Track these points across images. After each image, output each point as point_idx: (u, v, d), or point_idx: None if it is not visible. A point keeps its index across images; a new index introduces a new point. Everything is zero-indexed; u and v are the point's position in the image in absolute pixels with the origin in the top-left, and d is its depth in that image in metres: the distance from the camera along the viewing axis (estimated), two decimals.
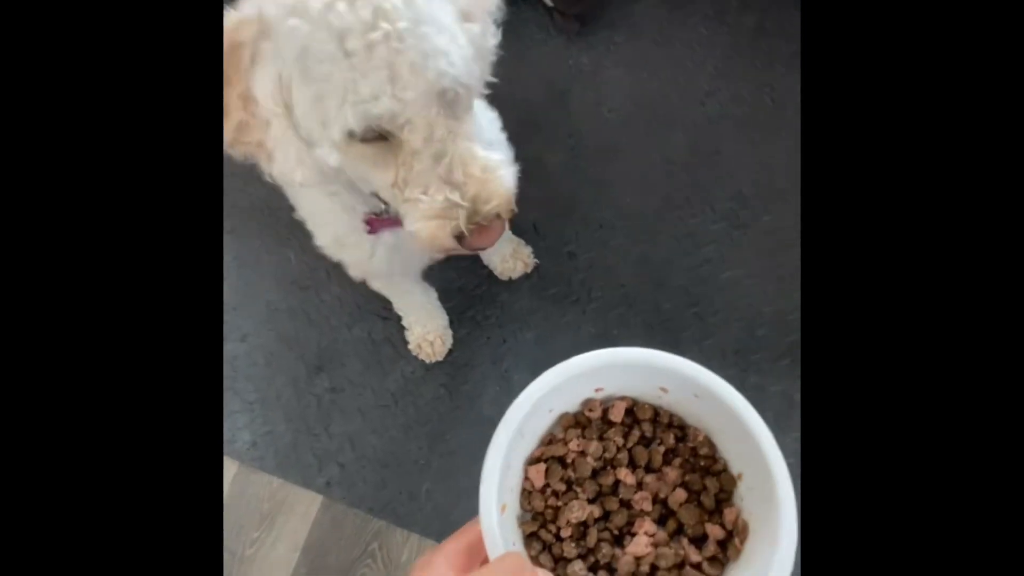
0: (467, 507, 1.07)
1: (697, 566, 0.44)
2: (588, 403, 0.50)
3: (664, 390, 0.48)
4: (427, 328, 1.12)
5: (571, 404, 0.50)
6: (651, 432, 0.49)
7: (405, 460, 1.11)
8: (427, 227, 0.55)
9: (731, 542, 0.45)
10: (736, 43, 1.32)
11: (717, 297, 1.17)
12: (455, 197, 0.54)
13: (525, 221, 1.22)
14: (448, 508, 1.08)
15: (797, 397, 1.10)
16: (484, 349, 1.15)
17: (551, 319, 1.17)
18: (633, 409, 0.50)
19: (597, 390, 0.49)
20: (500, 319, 1.17)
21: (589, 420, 0.50)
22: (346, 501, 1.09)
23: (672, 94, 1.29)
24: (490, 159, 0.56)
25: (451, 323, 1.16)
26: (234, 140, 0.56)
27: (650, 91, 1.30)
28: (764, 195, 1.22)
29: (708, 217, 1.22)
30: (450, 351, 1.15)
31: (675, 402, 0.49)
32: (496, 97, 1.26)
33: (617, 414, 0.49)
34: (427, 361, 1.14)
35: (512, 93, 1.27)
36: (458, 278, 1.20)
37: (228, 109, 0.54)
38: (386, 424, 1.13)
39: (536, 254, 1.19)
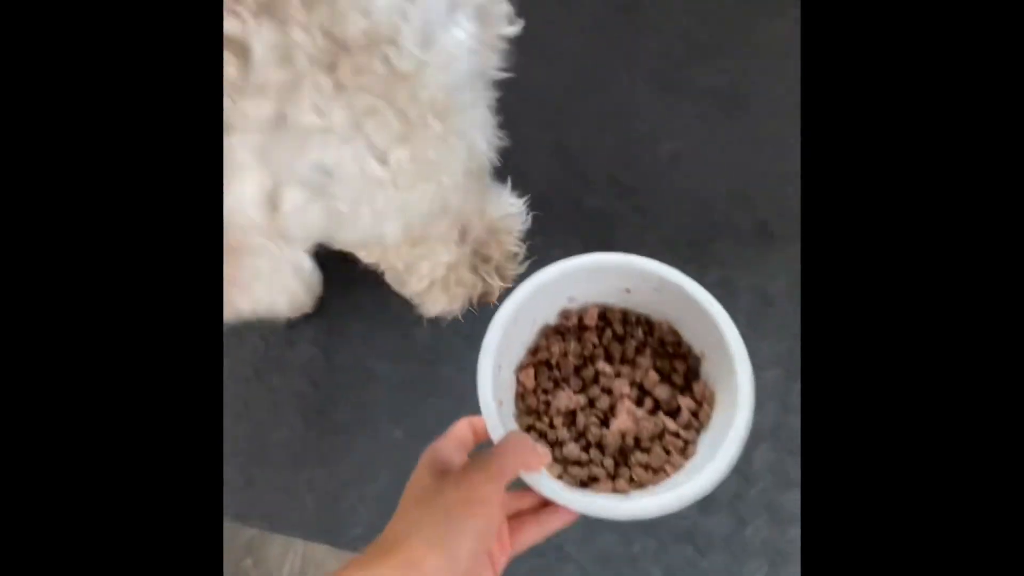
0: (366, 491, 0.80)
1: (675, 434, 0.51)
2: (565, 313, 0.57)
3: (628, 291, 0.55)
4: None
5: (550, 315, 0.57)
6: (622, 331, 0.57)
7: (275, 447, 0.83)
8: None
9: (701, 410, 0.51)
10: None
11: (655, 181, 0.91)
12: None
13: None
14: (338, 497, 0.81)
15: (771, 291, 0.86)
16: (360, 286, 0.87)
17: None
18: (604, 313, 0.57)
19: (571, 299, 0.56)
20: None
21: (567, 327, 0.57)
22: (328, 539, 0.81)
23: None
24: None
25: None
26: None
27: None
28: (699, 48, 0.96)
29: (632, 84, 0.95)
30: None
31: (639, 301, 0.56)
32: None
33: (591, 319, 0.56)
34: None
35: None
36: None
37: None
38: (247, 406, 0.85)
39: None
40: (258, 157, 0.42)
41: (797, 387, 0.81)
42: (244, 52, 0.39)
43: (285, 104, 0.41)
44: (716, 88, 0.94)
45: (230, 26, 0.38)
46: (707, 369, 0.53)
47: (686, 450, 0.50)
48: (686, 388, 0.53)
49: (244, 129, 0.41)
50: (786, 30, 0.95)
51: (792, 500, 0.76)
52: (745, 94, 0.93)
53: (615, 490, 0.49)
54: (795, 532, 0.75)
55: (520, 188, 0.88)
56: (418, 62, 0.44)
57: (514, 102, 0.94)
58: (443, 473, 0.42)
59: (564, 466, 0.50)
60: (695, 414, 0.51)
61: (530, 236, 0.87)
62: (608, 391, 0.54)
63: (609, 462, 0.50)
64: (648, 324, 0.56)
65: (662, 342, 0.55)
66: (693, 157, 0.91)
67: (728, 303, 0.80)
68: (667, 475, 0.49)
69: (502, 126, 0.95)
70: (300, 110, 0.42)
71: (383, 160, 0.47)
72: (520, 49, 0.89)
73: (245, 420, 0.84)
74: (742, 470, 0.78)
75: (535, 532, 0.46)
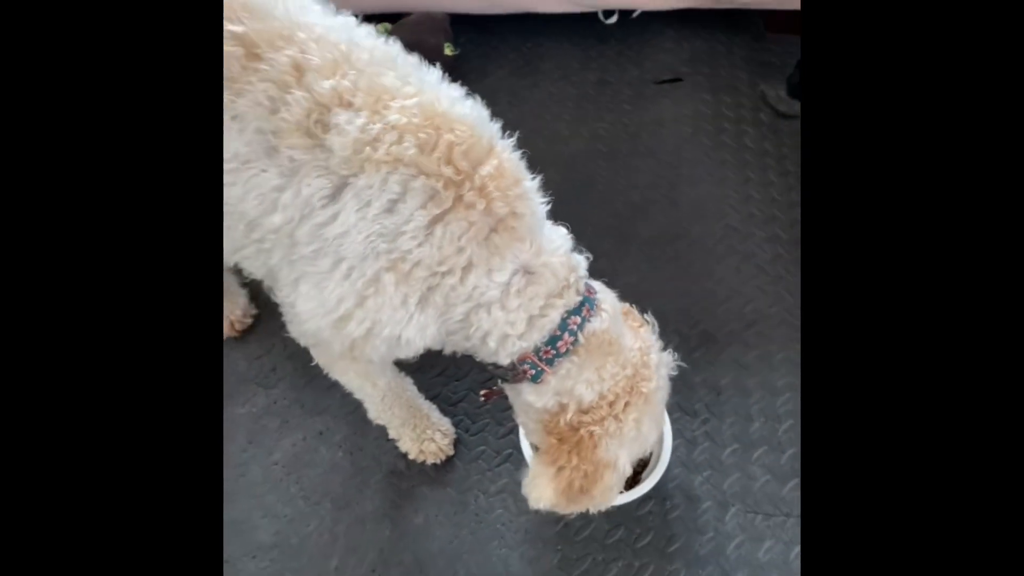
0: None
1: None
2: None
3: None
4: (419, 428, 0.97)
5: None
6: None
7: (306, 539, 0.93)
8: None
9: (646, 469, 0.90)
10: (583, 94, 1.42)
11: None
12: None
13: None
14: None
15: (723, 382, 1.04)
16: None
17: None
18: None
19: None
20: (399, 364, 1.07)
21: None
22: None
23: (537, 140, 1.35)
24: None
25: None
26: None
27: (514, 142, 1.35)
28: (640, 210, 1.24)
29: (591, 238, 1.21)
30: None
31: None
32: None
33: None
34: (437, 462, 0.98)
35: None
36: None
37: None
38: (280, 501, 0.96)
39: None
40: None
41: (755, 454, 0.97)
42: None
43: None
44: (657, 235, 1.20)
45: None
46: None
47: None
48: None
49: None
50: (703, 191, 1.25)
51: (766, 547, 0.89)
52: (678, 238, 1.20)
53: None
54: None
55: None
56: None
57: None
58: None
59: None
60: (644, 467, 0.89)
61: None
62: None
63: None
64: None
65: None
66: (643, 288, 1.14)
67: (686, 395, 1.00)
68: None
69: None
70: None
71: None
72: None
73: (279, 517, 0.94)
74: (717, 528, 0.91)
75: None
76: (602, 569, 0.90)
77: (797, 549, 0.91)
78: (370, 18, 1.36)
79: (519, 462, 0.97)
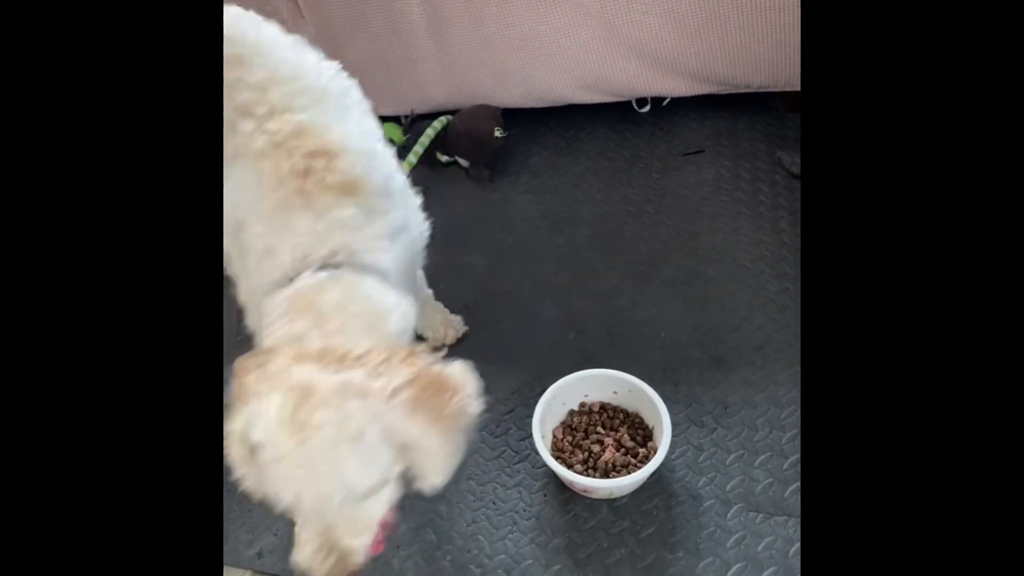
0: (408, 551, 0.99)
1: (634, 464, 1.01)
2: (581, 402, 1.11)
3: (615, 393, 1.09)
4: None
5: (573, 403, 1.11)
6: (612, 414, 1.09)
7: None
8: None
9: (650, 454, 1.00)
10: (616, 167, 1.61)
11: (635, 334, 1.24)
12: None
13: (457, 303, 1.35)
14: (387, 556, 0.99)
15: (731, 398, 1.12)
16: None
17: (482, 371, 1.21)
18: (603, 405, 1.10)
19: (586, 396, 1.10)
20: None
21: (582, 411, 1.10)
22: (278, 569, 1.00)
23: (573, 204, 1.54)
24: None
25: None
26: None
27: (553, 206, 1.54)
28: (661, 256, 1.38)
29: (615, 278, 1.35)
30: None
31: (621, 398, 1.09)
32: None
33: (595, 407, 1.10)
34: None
35: (440, 223, 1.51)
36: None
37: None
38: None
39: (467, 327, 1.29)
40: None
41: (758, 459, 1.02)
42: None
43: None
44: (675, 277, 1.33)
45: None
46: (655, 435, 1.03)
47: (636, 470, 0.98)
48: (643, 444, 1.04)
49: None
50: (720, 238, 1.37)
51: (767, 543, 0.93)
52: (696, 278, 1.31)
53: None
54: None
55: (534, 342, 1.24)
56: None
57: (532, 292, 1.35)
58: None
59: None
60: (646, 456, 1.00)
61: (544, 370, 1.19)
62: (601, 443, 1.04)
63: (599, 476, 0.99)
64: (624, 412, 1.09)
65: (632, 422, 1.08)
66: (661, 320, 1.26)
67: (695, 409, 1.10)
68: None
69: (524, 306, 1.34)
70: None
71: None
72: (535, 260, 1.35)
73: None
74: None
75: None
76: (605, 555, 0.96)
77: (796, 546, 0.94)
78: (436, 114, 1.65)
79: (536, 462, 1.07)
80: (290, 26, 1.65)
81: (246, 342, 0.81)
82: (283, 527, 1.04)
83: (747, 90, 1.60)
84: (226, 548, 1.03)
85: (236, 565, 1.02)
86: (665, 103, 1.72)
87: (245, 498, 0.67)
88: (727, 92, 1.62)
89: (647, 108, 1.73)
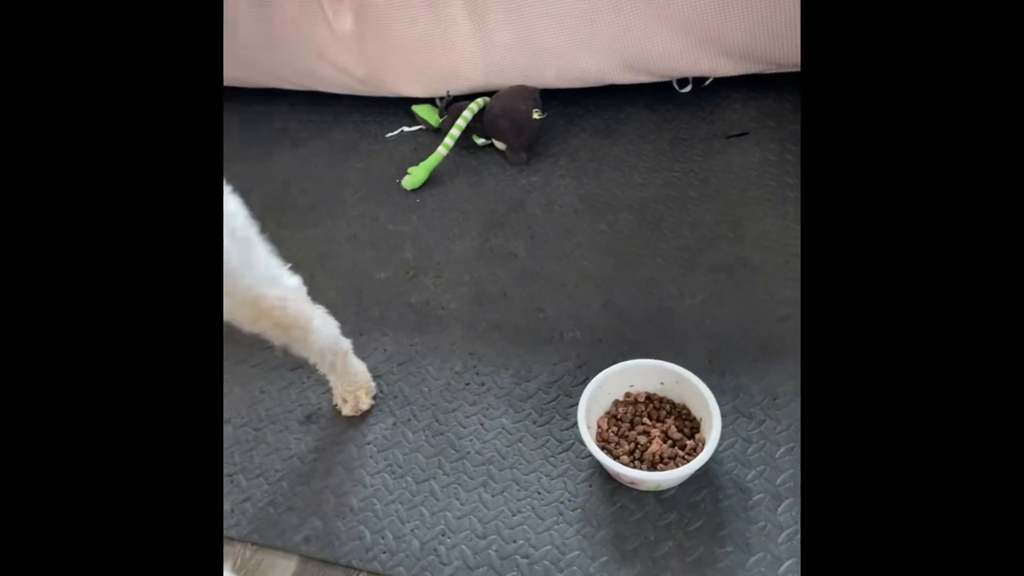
0: (454, 539, 0.99)
1: (682, 457, 0.99)
2: (627, 392, 1.08)
3: (662, 383, 1.07)
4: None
5: (618, 393, 1.08)
6: (658, 405, 1.06)
7: (388, 506, 1.05)
8: None
9: (697, 446, 1.00)
10: (658, 150, 1.57)
11: (680, 323, 1.22)
12: None
13: (495, 289, 1.33)
14: (434, 544, 0.99)
15: (779, 389, 1.09)
16: (463, 392, 1.17)
17: (523, 359, 1.21)
18: (649, 395, 1.08)
19: (631, 386, 1.08)
20: (477, 368, 1.21)
21: (627, 402, 1.08)
22: (326, 555, 1.01)
23: (614, 188, 1.51)
24: None
25: (456, 368, 1.22)
26: None
27: (593, 191, 1.51)
28: (707, 243, 1.35)
29: (660, 267, 1.33)
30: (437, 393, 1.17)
31: (667, 389, 1.07)
32: (464, 210, 1.56)
33: (640, 398, 1.08)
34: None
35: (477, 207, 1.49)
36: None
37: None
38: (369, 474, 1.09)
39: (508, 314, 1.28)
40: None
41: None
42: None
43: None
44: (721, 263, 1.30)
45: None
46: (703, 427, 1.01)
47: (684, 462, 0.97)
48: (691, 436, 1.02)
49: None
50: (767, 224, 1.34)
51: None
52: (742, 266, 1.28)
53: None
54: None
55: (576, 330, 1.22)
56: None
57: (575, 279, 1.34)
58: None
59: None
60: (694, 449, 1.00)
61: (588, 358, 1.17)
62: (647, 434, 1.02)
63: (646, 468, 0.98)
64: (671, 403, 1.07)
65: (679, 413, 1.06)
66: (707, 308, 1.23)
67: (743, 399, 1.07)
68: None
69: (564, 293, 1.34)
70: None
71: None
72: (576, 248, 1.32)
73: (367, 486, 1.07)
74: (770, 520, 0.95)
75: None
76: (653, 547, 0.95)
77: None
78: (473, 96, 1.62)
79: (580, 451, 1.06)
80: (328, 9, 1.64)
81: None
82: (329, 512, 1.05)
83: (792, 69, 1.55)
84: (274, 533, 1.04)
85: (285, 549, 1.03)
86: (707, 83, 1.68)
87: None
88: (771, 72, 1.57)
89: (688, 88, 1.68)
